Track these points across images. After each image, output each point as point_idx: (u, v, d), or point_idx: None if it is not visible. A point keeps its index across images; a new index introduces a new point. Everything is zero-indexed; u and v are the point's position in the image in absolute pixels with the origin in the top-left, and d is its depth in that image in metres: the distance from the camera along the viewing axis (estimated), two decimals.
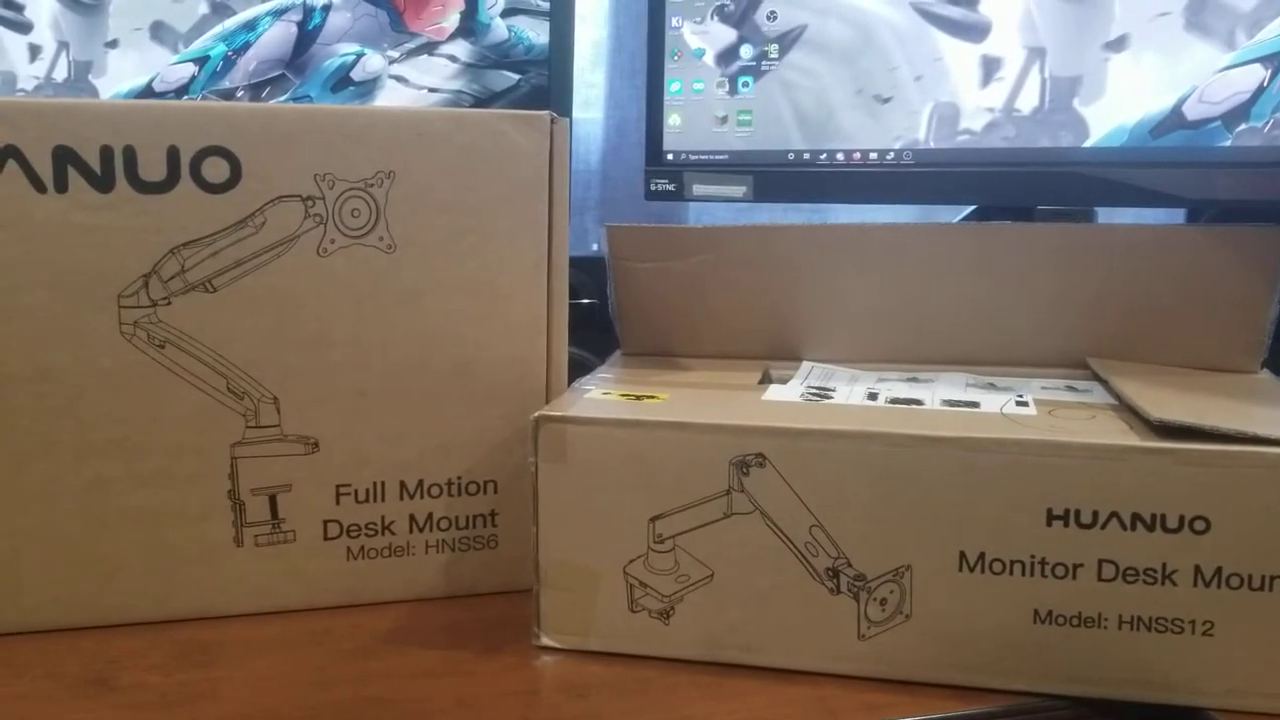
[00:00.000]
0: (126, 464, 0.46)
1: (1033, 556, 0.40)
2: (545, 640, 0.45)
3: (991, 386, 0.50)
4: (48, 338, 0.44)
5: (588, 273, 0.71)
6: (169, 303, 0.45)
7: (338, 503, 0.48)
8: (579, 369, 0.54)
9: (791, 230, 0.55)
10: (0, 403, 0.44)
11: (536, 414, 0.44)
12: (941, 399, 0.47)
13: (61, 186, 0.44)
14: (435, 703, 0.40)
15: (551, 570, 0.45)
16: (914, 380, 0.51)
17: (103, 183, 0.44)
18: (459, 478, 0.50)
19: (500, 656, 0.44)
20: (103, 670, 0.43)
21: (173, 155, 0.44)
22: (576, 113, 0.88)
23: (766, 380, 0.52)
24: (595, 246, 0.93)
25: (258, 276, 0.46)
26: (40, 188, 0.43)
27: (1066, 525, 0.40)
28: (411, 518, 0.49)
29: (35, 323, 0.44)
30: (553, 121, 0.48)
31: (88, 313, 0.45)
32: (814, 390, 0.48)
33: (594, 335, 0.65)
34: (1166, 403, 0.43)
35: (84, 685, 0.41)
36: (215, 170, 0.45)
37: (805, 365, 0.54)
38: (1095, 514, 0.40)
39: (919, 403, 0.46)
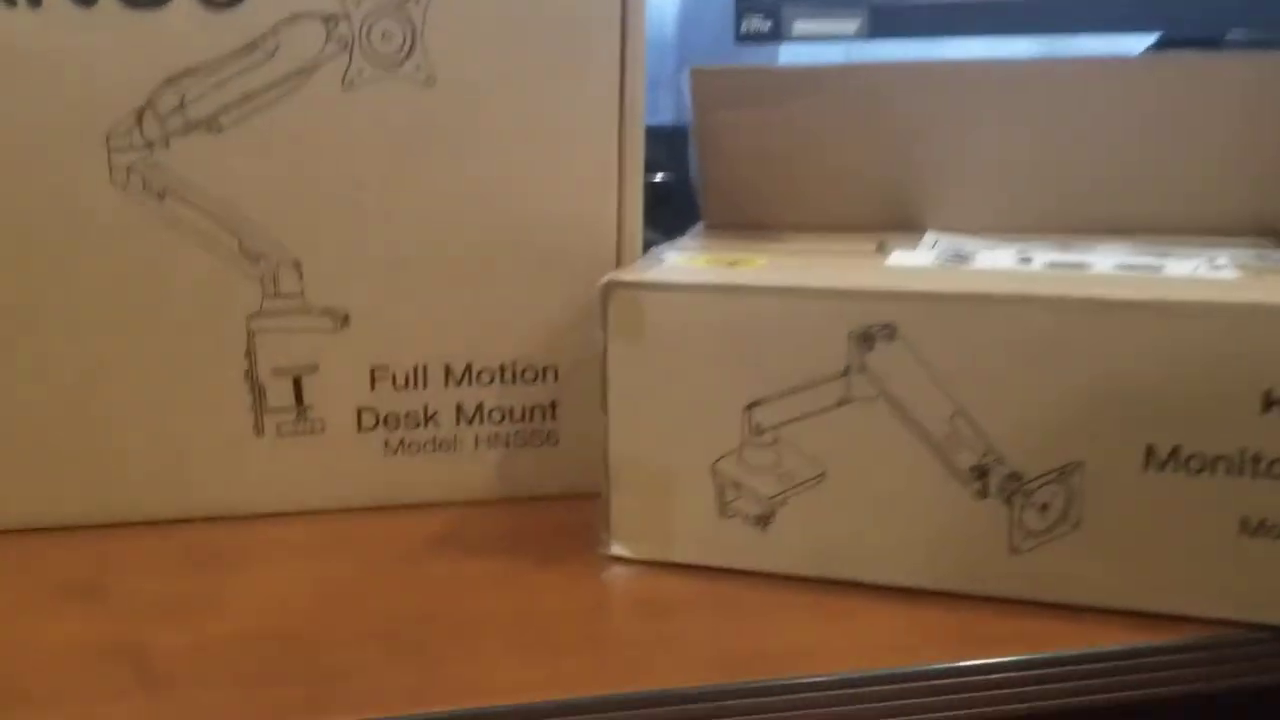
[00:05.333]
0: (126, 340, 0.39)
1: (1243, 451, 0.32)
2: (616, 549, 0.38)
3: (1166, 256, 0.40)
4: (26, 187, 0.37)
5: (662, 144, 0.63)
6: (168, 145, 0.38)
7: (373, 388, 0.41)
8: None
9: (916, 69, 0.45)
10: None
11: (606, 278, 0.36)
12: (1114, 264, 0.38)
13: (35, 0, 0.36)
14: (487, 619, 0.34)
15: (624, 468, 0.37)
16: (1067, 250, 0.42)
17: None
18: (513, 362, 0.42)
19: (563, 567, 0.37)
20: (94, 575, 0.36)
21: None
22: None
23: (883, 251, 0.43)
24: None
25: (271, 114, 0.38)
26: (9, 0, 0.36)
27: None
28: (459, 408, 0.42)
29: (10, 168, 0.37)
30: None
31: (73, 155, 0.37)
32: (950, 255, 0.40)
33: (669, 215, 0.57)
34: None
35: (69, 591, 0.35)
36: None
37: (929, 236, 0.45)
38: None
39: (1086, 267, 0.37)
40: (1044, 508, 0.33)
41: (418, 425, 0.42)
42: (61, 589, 0.35)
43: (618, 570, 0.37)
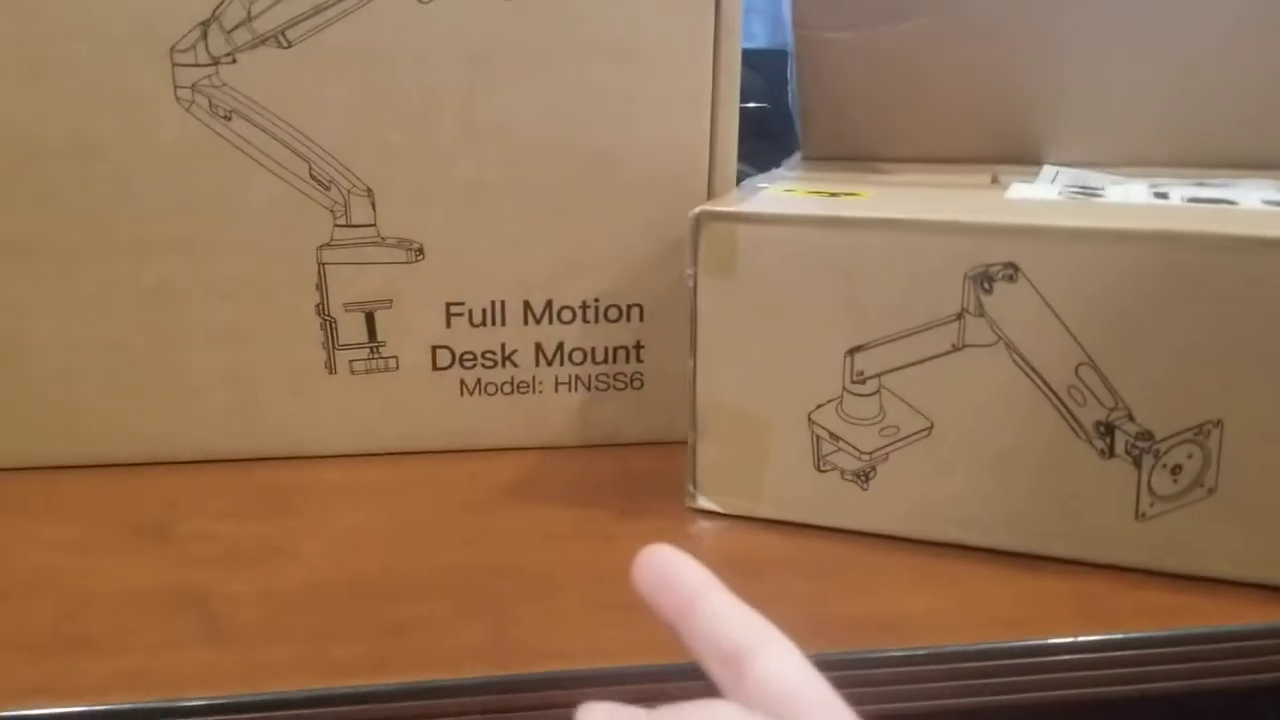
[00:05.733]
0: (194, 267, 0.38)
1: None
2: (702, 502, 0.35)
3: None
4: (90, 103, 0.36)
5: (756, 69, 0.59)
6: (234, 60, 0.36)
7: (448, 325, 0.39)
8: None
9: None
10: (39, 184, 0.36)
11: (698, 209, 0.33)
12: (1261, 199, 0.34)
13: None
14: (565, 572, 0.32)
15: (712, 416, 0.35)
16: (1203, 185, 0.38)
17: None
18: (596, 300, 0.40)
19: (645, 519, 0.35)
20: (163, 515, 0.35)
21: None
22: None
23: (1000, 184, 0.39)
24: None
25: (343, 29, 0.36)
26: None
27: None
28: (538, 347, 0.40)
29: (74, 84, 0.35)
30: None
31: (136, 71, 0.35)
32: (1076, 189, 0.36)
33: (763, 147, 0.53)
34: None
35: (137, 533, 0.34)
36: None
37: (1047, 170, 0.42)
38: None
39: (1231, 204, 0.33)
40: (1176, 470, 0.30)
41: (495, 365, 0.40)
42: (129, 529, 0.34)
43: (704, 525, 0.35)
